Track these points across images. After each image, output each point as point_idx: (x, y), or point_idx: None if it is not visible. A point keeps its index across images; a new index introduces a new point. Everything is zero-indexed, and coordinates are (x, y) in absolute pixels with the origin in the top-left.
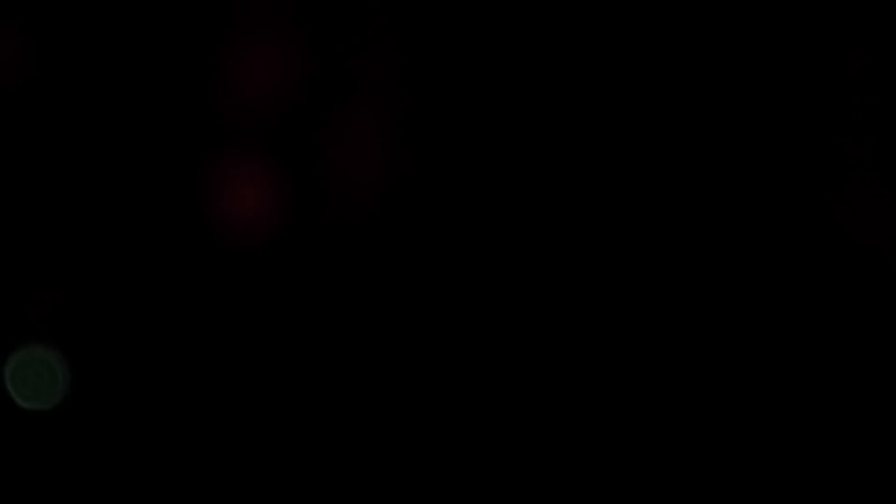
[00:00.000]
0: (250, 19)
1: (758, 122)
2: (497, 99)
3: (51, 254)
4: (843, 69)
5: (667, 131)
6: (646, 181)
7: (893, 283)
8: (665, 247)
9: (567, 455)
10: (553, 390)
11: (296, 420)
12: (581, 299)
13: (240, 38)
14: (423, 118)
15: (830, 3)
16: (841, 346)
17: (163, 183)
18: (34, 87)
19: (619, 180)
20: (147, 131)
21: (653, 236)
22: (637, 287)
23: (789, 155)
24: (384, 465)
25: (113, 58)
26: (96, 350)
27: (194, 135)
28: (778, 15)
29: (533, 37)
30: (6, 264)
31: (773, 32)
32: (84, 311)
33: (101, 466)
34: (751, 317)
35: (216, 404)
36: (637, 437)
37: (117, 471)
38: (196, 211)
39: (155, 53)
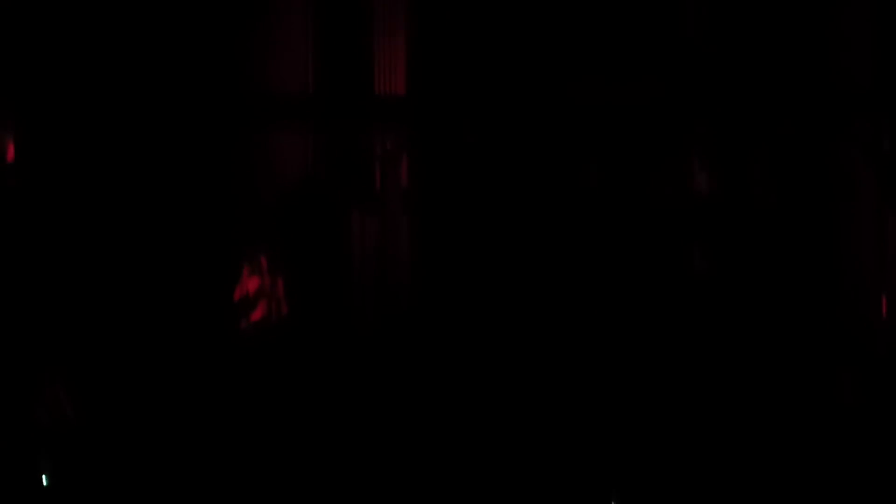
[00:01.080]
0: (270, 108)
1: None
2: (507, 170)
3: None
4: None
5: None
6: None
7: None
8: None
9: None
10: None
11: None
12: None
13: (255, 127)
14: (435, 206)
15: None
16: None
17: (174, 264)
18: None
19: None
20: (165, 211)
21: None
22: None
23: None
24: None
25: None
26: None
27: (210, 215)
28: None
29: (541, 101)
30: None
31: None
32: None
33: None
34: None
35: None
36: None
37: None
38: (208, 296)
39: (168, 135)
